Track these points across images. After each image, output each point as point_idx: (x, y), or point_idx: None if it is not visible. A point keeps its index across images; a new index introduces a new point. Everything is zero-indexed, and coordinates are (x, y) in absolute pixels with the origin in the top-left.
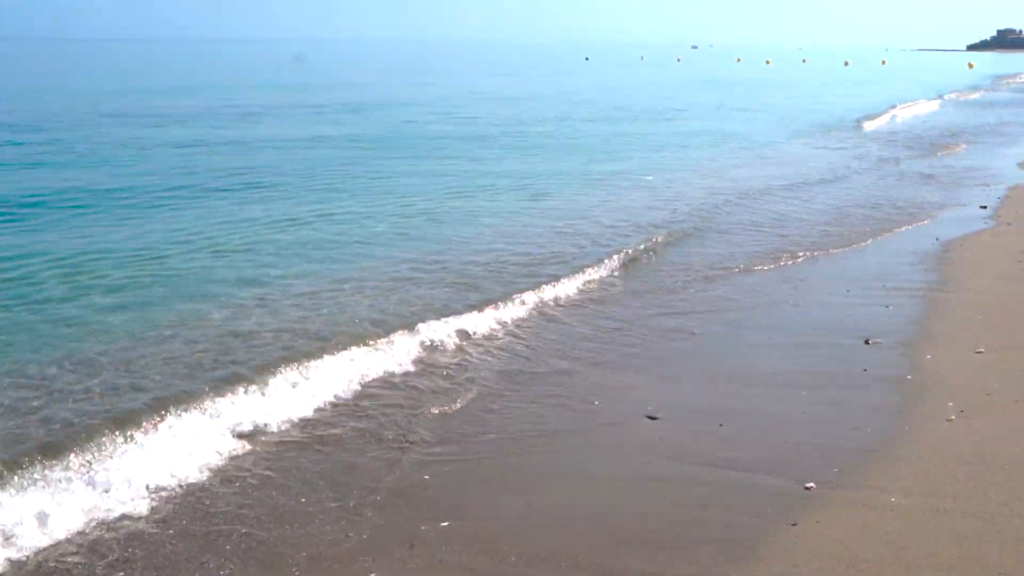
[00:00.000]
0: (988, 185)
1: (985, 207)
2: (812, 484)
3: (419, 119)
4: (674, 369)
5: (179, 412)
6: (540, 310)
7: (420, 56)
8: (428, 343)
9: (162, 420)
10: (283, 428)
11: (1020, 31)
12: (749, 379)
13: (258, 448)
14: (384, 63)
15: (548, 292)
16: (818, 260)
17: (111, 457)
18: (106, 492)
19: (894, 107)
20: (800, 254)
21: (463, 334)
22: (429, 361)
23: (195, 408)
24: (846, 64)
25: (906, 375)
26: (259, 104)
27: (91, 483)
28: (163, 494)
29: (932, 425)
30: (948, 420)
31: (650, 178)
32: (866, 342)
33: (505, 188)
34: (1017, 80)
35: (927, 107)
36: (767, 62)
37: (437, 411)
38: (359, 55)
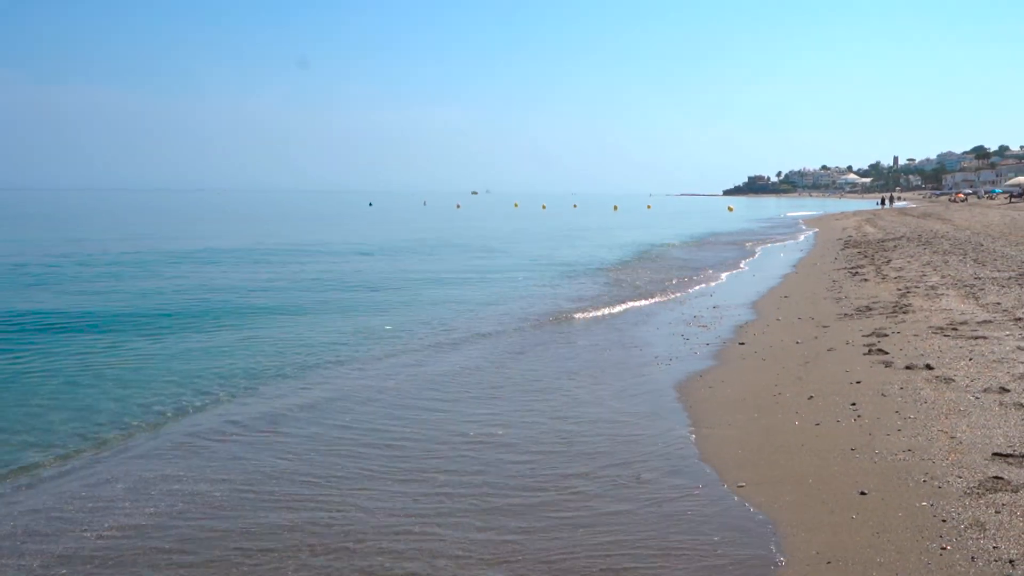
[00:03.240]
0: (743, 323)
1: (744, 343)
2: None
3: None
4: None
5: None
6: None
7: (198, 204)
8: None
9: None
10: None
11: (767, 177)
12: None
13: None
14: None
15: None
16: (597, 398)
17: None
18: None
19: (652, 248)
20: (579, 391)
21: None
22: None
23: None
24: (615, 208)
25: (672, 511)
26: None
27: None
28: None
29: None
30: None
31: (389, 327)
32: (637, 478)
33: None
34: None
35: (688, 248)
36: (543, 207)
37: None
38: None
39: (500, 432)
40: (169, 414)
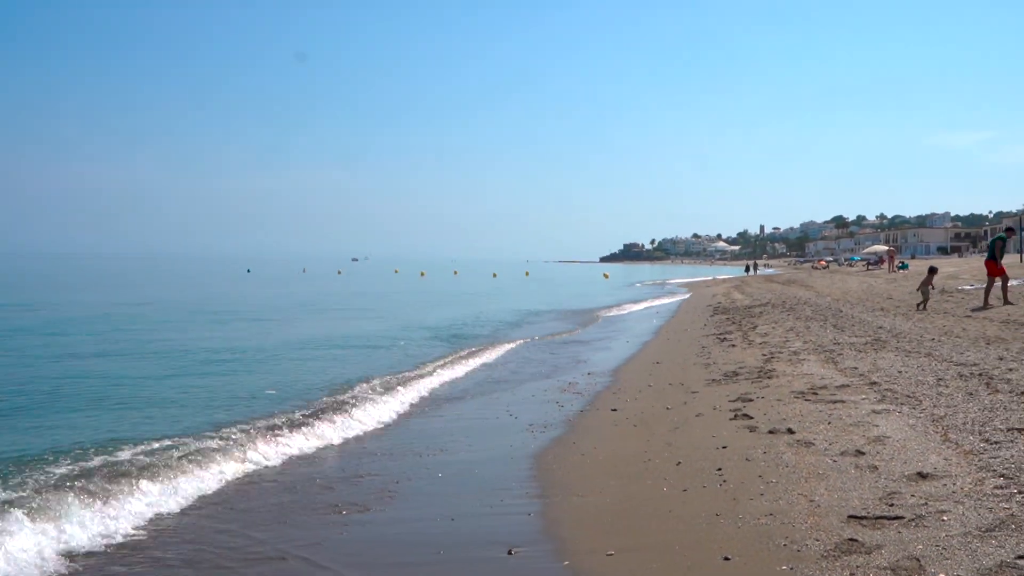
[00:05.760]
0: (616, 389)
1: (616, 410)
2: None
3: None
4: None
5: None
6: None
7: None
8: None
9: None
10: None
11: (642, 245)
12: None
13: None
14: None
15: None
16: (472, 468)
17: None
18: None
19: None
20: (440, 469)
21: None
22: None
23: None
24: (494, 276)
25: None
26: None
27: None
28: None
29: None
30: None
31: (273, 392)
32: (509, 552)
33: None
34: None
35: (564, 316)
36: (422, 274)
37: None
38: None
39: (383, 506)
40: None
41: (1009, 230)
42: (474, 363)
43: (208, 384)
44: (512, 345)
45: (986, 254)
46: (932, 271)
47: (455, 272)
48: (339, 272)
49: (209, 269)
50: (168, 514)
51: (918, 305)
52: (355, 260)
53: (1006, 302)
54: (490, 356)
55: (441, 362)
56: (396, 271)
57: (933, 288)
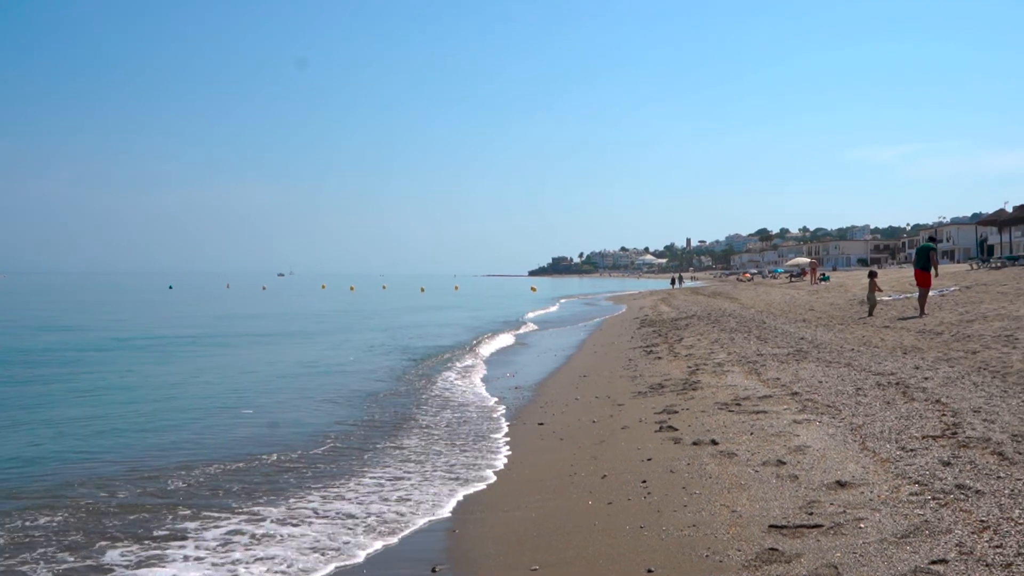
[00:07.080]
0: (543, 403)
1: (543, 424)
2: None
3: None
4: None
5: None
6: None
7: None
8: None
9: None
10: None
11: (570, 259)
12: None
13: None
14: None
15: None
16: (388, 481)
17: None
18: None
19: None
20: (371, 475)
21: None
22: None
23: None
24: (422, 290)
25: None
26: None
27: None
28: None
29: None
30: None
31: (250, 411)
32: (433, 570)
33: None
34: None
35: (493, 329)
36: (351, 288)
37: None
38: None
39: (286, 534)
40: None
41: (932, 239)
42: (399, 376)
43: (125, 415)
44: (440, 360)
45: (915, 264)
46: (873, 275)
47: (384, 287)
48: (264, 288)
49: (129, 286)
50: None
51: (870, 312)
52: (280, 275)
53: (922, 313)
54: (415, 371)
55: (366, 376)
56: (323, 287)
57: (881, 291)
